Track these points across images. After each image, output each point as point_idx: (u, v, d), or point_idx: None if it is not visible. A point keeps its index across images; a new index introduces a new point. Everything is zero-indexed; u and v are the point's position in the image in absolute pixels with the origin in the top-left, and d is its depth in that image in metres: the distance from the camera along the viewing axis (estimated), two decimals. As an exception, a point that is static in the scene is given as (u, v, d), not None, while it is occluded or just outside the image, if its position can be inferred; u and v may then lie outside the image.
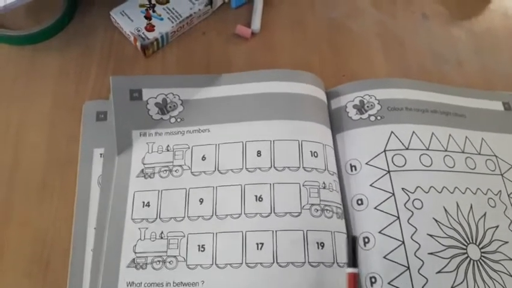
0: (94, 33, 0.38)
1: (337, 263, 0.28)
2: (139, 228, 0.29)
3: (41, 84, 0.35)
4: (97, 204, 0.30)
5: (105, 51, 0.37)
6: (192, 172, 0.30)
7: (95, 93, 0.34)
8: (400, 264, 0.29)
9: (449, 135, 0.34)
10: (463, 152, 0.33)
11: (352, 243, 0.28)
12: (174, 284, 0.27)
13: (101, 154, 0.31)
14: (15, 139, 0.33)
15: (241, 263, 0.27)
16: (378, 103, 0.34)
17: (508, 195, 0.32)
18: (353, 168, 0.32)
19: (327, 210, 0.29)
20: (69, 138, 0.32)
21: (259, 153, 0.30)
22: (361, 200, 0.31)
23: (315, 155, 0.30)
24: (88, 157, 0.31)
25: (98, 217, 0.29)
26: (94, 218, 0.29)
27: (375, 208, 0.30)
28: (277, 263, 0.27)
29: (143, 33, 0.36)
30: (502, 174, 0.33)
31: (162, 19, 0.36)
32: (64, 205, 0.30)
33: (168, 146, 0.31)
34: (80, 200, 0.30)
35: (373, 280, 0.28)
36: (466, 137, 0.34)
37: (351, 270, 0.27)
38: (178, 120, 0.32)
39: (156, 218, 0.29)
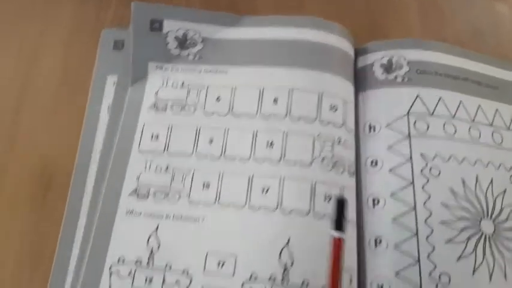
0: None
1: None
2: (145, 160, 0.28)
3: (61, 7, 0.34)
4: (104, 131, 0.29)
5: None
6: (204, 111, 0.29)
7: (115, 22, 0.33)
8: (409, 229, 0.27)
9: (479, 105, 0.32)
10: (490, 125, 0.31)
11: (339, 205, 0.25)
12: (174, 217, 0.27)
13: (114, 82, 0.31)
14: (29, 60, 0.32)
15: (245, 205, 0.27)
16: (407, 64, 0.32)
17: (533, 175, 0.30)
18: (372, 128, 0.30)
19: (338, 165, 0.28)
20: (83, 65, 0.32)
21: (275, 101, 0.29)
22: (376, 161, 0.30)
23: (334, 109, 0.29)
24: (101, 84, 0.31)
25: (103, 144, 0.29)
26: (100, 145, 0.29)
27: (390, 171, 0.29)
28: (280, 209, 0.26)
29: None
30: (529, 153, 0.31)
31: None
32: (72, 130, 0.30)
33: (183, 82, 0.30)
34: (88, 125, 0.30)
35: (378, 242, 0.28)
36: (497, 109, 0.32)
37: (337, 234, 0.24)
38: (197, 58, 0.31)
39: (164, 152, 0.29)
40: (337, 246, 0.24)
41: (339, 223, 0.24)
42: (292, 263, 0.25)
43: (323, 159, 0.28)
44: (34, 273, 0.27)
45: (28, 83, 0.32)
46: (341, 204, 0.24)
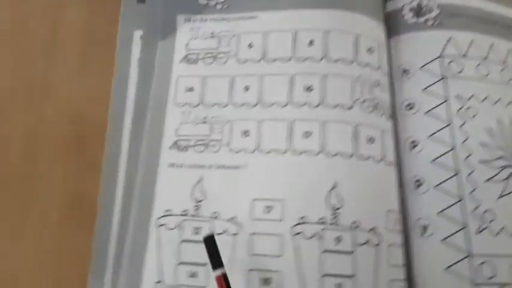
0: None
1: (385, 160, 0.27)
2: (182, 112, 0.28)
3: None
4: (135, 84, 0.29)
5: None
6: (237, 59, 0.29)
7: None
8: (449, 169, 0.27)
9: (509, 50, 0.32)
10: (521, 68, 0.32)
11: (209, 243, 0.23)
12: (217, 167, 0.27)
13: (140, 36, 0.30)
14: (53, 14, 0.31)
15: (287, 150, 0.26)
16: (437, 7, 0.31)
17: None
18: (405, 72, 0.30)
19: (379, 108, 0.28)
20: (108, 19, 0.31)
21: (311, 43, 0.28)
22: (411, 104, 0.29)
23: (371, 51, 0.28)
24: (128, 38, 0.30)
25: (136, 99, 0.29)
26: (132, 98, 0.29)
27: (426, 113, 0.29)
28: (324, 152, 0.26)
29: None
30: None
31: None
32: (103, 83, 0.29)
33: (212, 32, 0.30)
34: (118, 78, 0.29)
35: (419, 183, 0.28)
36: (526, 53, 0.32)
37: (219, 271, 0.22)
38: (225, 6, 0.30)
39: (200, 103, 0.28)
40: (221, 284, 0.22)
41: (215, 261, 0.22)
42: (341, 205, 0.25)
43: (363, 101, 0.27)
44: (79, 222, 0.27)
45: (53, 41, 0.31)
46: (211, 241, 0.23)
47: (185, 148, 0.27)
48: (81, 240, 0.27)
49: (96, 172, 0.28)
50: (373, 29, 0.30)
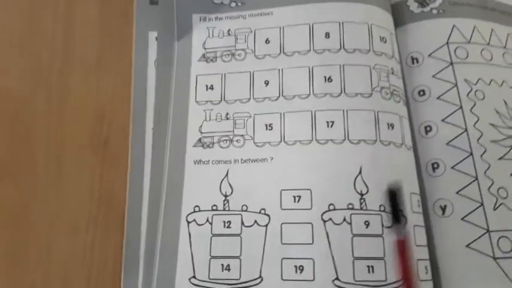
0: None
1: (405, 145, 0.28)
2: (204, 110, 0.29)
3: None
4: (154, 85, 0.29)
5: None
6: (255, 55, 0.30)
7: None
8: (463, 150, 0.29)
9: (508, 34, 0.33)
10: (521, 51, 0.33)
11: (391, 197, 0.25)
12: (242, 161, 0.27)
13: (156, 37, 0.30)
14: (66, 14, 0.31)
15: (311, 140, 0.27)
16: (440, -3, 0.33)
17: None
18: (415, 60, 0.31)
19: (395, 94, 0.29)
20: (122, 19, 0.31)
21: (327, 35, 0.29)
22: (423, 90, 0.30)
23: (384, 40, 0.29)
24: (144, 39, 0.30)
25: (156, 99, 0.29)
26: (152, 98, 0.29)
27: (438, 98, 0.30)
28: (348, 139, 0.27)
29: None
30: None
31: None
32: (121, 84, 0.30)
33: (229, 30, 0.30)
34: (137, 80, 0.30)
35: (435, 166, 0.29)
36: (524, 37, 0.34)
37: (398, 236, 0.24)
38: (239, 4, 0.31)
39: (221, 100, 0.29)
40: (402, 248, 0.24)
41: (397, 217, 0.24)
42: (367, 191, 0.26)
43: (381, 88, 0.28)
44: (108, 222, 0.27)
45: (68, 45, 0.31)
46: (394, 197, 0.24)
47: (210, 144, 0.28)
48: (111, 241, 0.27)
49: (122, 171, 0.28)
50: (384, 19, 0.31)
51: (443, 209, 0.28)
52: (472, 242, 0.27)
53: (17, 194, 0.28)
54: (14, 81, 0.30)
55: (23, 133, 0.29)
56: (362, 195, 0.26)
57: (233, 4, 0.31)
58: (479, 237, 0.27)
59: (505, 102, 0.31)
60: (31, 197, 0.28)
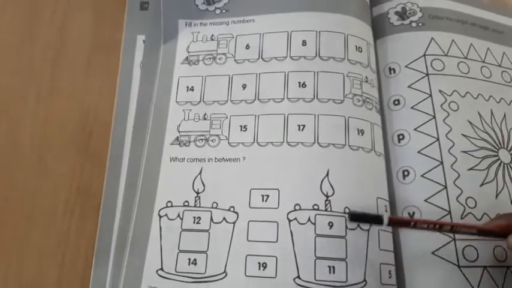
0: None
1: (375, 151, 0.28)
2: (183, 110, 0.30)
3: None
4: (138, 85, 0.31)
5: None
6: (235, 60, 0.31)
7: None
8: (434, 158, 0.29)
9: (487, 48, 0.34)
10: (499, 66, 0.34)
11: (358, 218, 0.26)
12: (216, 160, 0.28)
13: (143, 41, 0.32)
14: (61, 21, 0.33)
15: (283, 142, 0.28)
16: (420, 10, 0.34)
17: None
18: (392, 71, 0.32)
19: (367, 102, 0.30)
20: (113, 25, 0.33)
21: (304, 43, 0.30)
22: (398, 100, 0.31)
23: (360, 50, 0.31)
24: (131, 42, 0.32)
25: (138, 98, 0.31)
26: (135, 98, 0.31)
27: (412, 108, 0.31)
28: (318, 143, 0.28)
29: None
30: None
31: None
32: (107, 84, 0.31)
33: (212, 35, 0.32)
34: (122, 80, 0.31)
35: (406, 173, 0.29)
36: (504, 52, 0.34)
37: (385, 220, 0.25)
38: (224, 11, 0.32)
39: (200, 101, 0.30)
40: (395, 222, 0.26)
41: (374, 220, 0.26)
42: (333, 193, 0.27)
43: (353, 95, 0.29)
44: (84, 213, 0.29)
45: (61, 47, 0.33)
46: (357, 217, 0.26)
47: (187, 143, 0.29)
48: (86, 231, 0.28)
49: (102, 164, 0.29)
50: (362, 30, 0.32)
51: (412, 215, 0.29)
52: (438, 250, 0.28)
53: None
54: (7, 78, 0.32)
55: (10, 124, 0.31)
56: (328, 197, 0.27)
57: (218, 11, 0.32)
58: (445, 245, 0.28)
59: (480, 114, 0.31)
60: (11, 184, 0.29)
